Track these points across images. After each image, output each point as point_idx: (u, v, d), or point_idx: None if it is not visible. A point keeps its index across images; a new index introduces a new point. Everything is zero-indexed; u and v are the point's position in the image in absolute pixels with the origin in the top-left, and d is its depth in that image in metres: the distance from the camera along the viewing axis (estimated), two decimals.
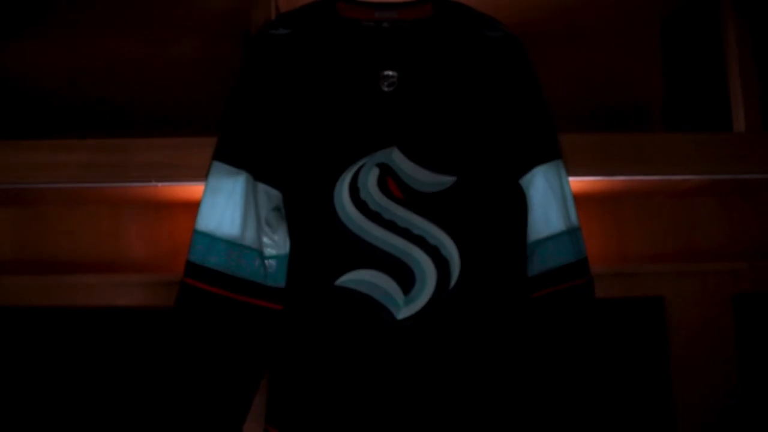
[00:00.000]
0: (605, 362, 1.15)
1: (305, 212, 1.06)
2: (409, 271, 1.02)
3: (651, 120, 1.75)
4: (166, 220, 1.50)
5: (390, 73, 1.07)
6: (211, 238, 1.05)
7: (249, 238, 1.05)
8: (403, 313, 1.02)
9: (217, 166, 1.08)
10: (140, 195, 1.40)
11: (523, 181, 1.10)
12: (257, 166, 1.07)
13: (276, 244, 1.07)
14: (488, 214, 1.06)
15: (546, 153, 1.11)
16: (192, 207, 1.10)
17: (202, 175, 1.10)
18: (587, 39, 1.74)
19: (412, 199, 1.03)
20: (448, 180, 1.04)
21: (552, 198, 1.10)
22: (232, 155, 1.07)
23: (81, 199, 1.44)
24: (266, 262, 1.06)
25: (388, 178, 1.03)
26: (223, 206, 1.06)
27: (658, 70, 1.74)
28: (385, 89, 1.06)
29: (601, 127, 1.59)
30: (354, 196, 1.03)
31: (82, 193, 1.35)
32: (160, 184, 1.27)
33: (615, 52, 1.76)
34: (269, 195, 1.08)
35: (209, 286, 1.05)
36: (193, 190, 1.17)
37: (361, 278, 1.02)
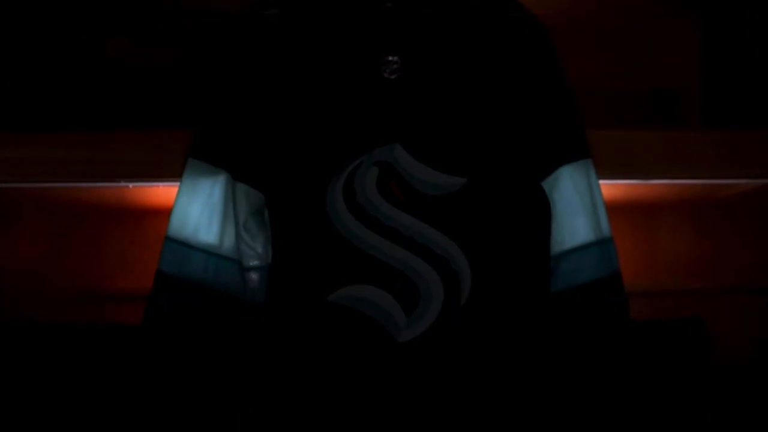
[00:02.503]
0: (640, 392, 1.11)
1: (292, 217, 0.99)
2: (413, 286, 0.96)
3: (686, 113, 1.63)
4: (137, 228, 1.42)
5: (393, 58, 1.00)
6: (186, 247, 0.99)
7: (227, 247, 0.99)
8: (405, 335, 0.96)
9: (194, 164, 1.01)
10: (105, 198, 1.31)
11: (546, 184, 1.03)
12: (237, 164, 1.00)
13: (256, 253, 1.01)
14: (504, 221, 1.00)
15: (572, 151, 1.03)
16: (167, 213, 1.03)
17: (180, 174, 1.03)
18: (613, 25, 1.63)
19: (416, 203, 0.97)
20: (458, 181, 0.98)
21: (579, 203, 1.02)
22: (211, 152, 1.01)
23: (29, 202, 1.36)
24: (246, 274, 1.01)
25: (389, 178, 0.98)
26: (200, 210, 1.00)
27: (696, 53, 1.63)
28: (387, 77, 1.00)
29: (628, 122, 1.53)
30: (349, 200, 0.97)
31: (27, 194, 1.28)
32: (131, 185, 1.18)
33: (643, 33, 1.64)
34: (249, 197, 1.01)
35: (183, 300, 0.99)
36: (171, 192, 1.07)
37: (356, 295, 0.96)
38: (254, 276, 1.01)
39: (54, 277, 1.44)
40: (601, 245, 1.03)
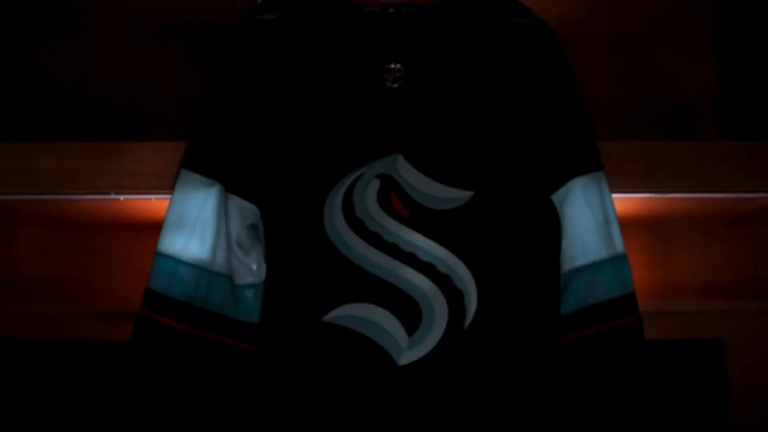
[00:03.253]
0: (655, 418, 1.02)
1: (288, 232, 0.97)
2: (415, 305, 0.93)
3: (701, 125, 1.59)
4: (133, 243, 1.39)
5: (395, 65, 0.98)
6: (176, 262, 0.96)
7: (219, 263, 0.97)
8: (406, 357, 0.92)
9: (187, 175, 0.99)
10: (93, 210, 1.28)
11: (556, 197, 1.00)
12: (231, 175, 0.98)
13: (249, 269, 0.98)
14: (512, 236, 0.97)
15: (584, 163, 1.01)
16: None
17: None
18: (627, 32, 1.60)
19: (419, 217, 0.95)
20: (464, 195, 0.96)
21: (591, 218, 0.99)
22: (205, 162, 0.98)
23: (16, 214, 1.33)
24: (238, 292, 0.97)
25: (390, 191, 0.95)
26: (192, 224, 0.97)
27: (711, 64, 1.59)
28: (389, 85, 0.98)
29: (642, 134, 1.49)
30: (348, 214, 0.94)
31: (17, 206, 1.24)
32: (122, 198, 1.15)
33: (659, 43, 1.61)
34: (242, 210, 0.98)
35: (172, 320, 0.96)
36: (165, 205, 1.04)
37: (354, 314, 0.93)
38: (247, 294, 0.98)
39: (46, 289, 1.42)
40: (614, 262, 1.00)
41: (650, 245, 1.55)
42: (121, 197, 1.14)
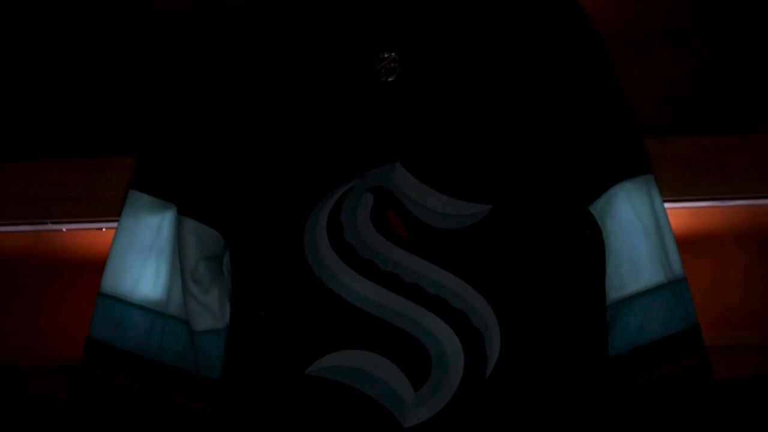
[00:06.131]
0: None
1: (259, 263, 0.89)
2: (422, 351, 0.84)
3: (760, 121, 1.54)
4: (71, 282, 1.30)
5: (390, 54, 0.91)
6: (124, 304, 0.90)
7: (175, 304, 0.91)
8: (412, 418, 0.83)
9: (136, 197, 0.93)
10: (26, 244, 1.20)
11: (596, 208, 0.91)
12: (186, 195, 0.92)
13: (209, 311, 0.91)
14: (542, 259, 0.89)
15: (628, 165, 0.92)
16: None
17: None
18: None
19: (424, 239, 0.87)
20: (479, 210, 0.87)
21: (641, 232, 0.91)
22: (159, 181, 0.92)
23: None
24: (196, 340, 0.91)
25: (387, 208, 0.88)
26: (144, 257, 0.92)
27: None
28: (383, 78, 0.91)
29: (689, 129, 1.42)
30: (335, 238, 0.87)
31: None
32: (65, 228, 1.08)
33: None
34: (200, 237, 0.91)
35: (120, 377, 0.89)
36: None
37: (345, 364, 0.85)
38: (206, 342, 0.91)
39: None
40: (674, 288, 0.91)
41: (699, 265, 1.46)
42: (64, 228, 1.09)
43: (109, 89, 1.39)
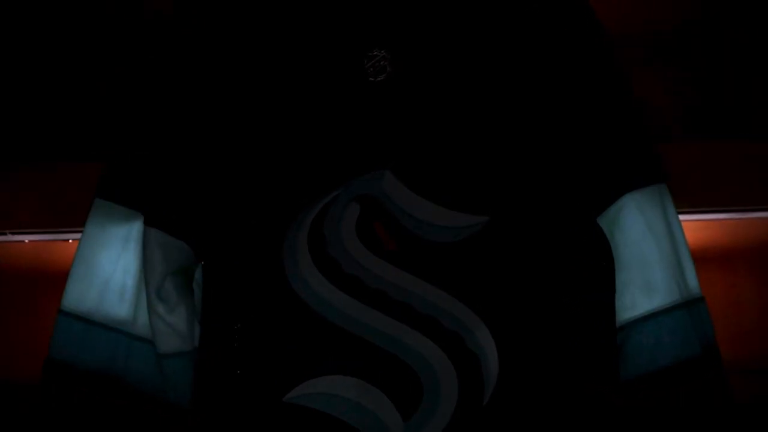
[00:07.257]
0: None
1: (233, 279, 0.86)
2: (413, 377, 0.81)
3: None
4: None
5: (379, 53, 0.88)
6: (87, 323, 0.86)
7: (141, 323, 0.87)
8: None
9: (102, 206, 0.89)
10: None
11: (605, 220, 0.87)
12: (153, 204, 0.88)
13: (176, 331, 0.87)
14: (544, 276, 0.86)
15: (639, 173, 0.88)
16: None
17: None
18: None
19: (415, 253, 0.83)
20: (475, 221, 0.84)
21: (654, 246, 0.87)
22: (126, 189, 0.89)
23: None
24: (164, 363, 0.87)
25: (374, 219, 0.85)
26: (109, 271, 0.88)
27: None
28: (372, 78, 0.88)
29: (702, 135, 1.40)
30: (317, 251, 0.83)
31: None
32: (27, 240, 1.03)
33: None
34: (167, 250, 0.87)
35: (79, 402, 0.86)
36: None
37: (326, 391, 0.82)
38: (174, 365, 0.87)
39: None
40: (691, 308, 0.86)
41: (712, 283, 1.45)
42: (26, 239, 1.03)
43: (108, 90, 1.37)
